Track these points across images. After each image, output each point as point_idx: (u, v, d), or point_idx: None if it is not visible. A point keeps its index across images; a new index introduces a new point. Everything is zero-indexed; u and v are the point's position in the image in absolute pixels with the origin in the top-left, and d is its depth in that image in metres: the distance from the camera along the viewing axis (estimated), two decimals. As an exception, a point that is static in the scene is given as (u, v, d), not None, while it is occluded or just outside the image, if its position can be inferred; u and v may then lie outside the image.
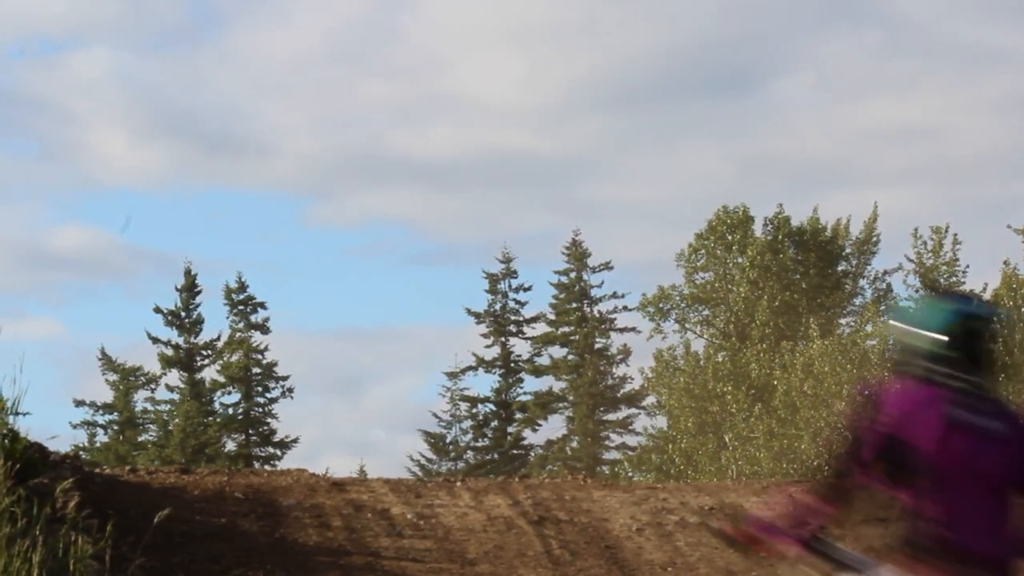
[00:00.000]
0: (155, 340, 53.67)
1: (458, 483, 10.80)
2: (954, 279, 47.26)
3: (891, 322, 5.86)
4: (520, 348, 55.84)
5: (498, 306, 56.18)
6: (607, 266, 55.31)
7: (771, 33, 76.23)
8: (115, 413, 53.84)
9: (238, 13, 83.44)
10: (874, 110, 70.58)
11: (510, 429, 55.68)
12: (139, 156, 78.89)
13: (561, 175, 75.51)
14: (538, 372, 55.71)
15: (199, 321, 53.90)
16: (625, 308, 54.64)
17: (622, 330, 54.82)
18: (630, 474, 46.10)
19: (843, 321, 47.48)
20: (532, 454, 55.23)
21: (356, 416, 74.56)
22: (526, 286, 56.37)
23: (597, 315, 55.11)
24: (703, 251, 48.88)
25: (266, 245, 77.36)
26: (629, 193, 74.88)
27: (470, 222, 77.96)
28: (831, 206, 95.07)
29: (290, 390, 53.13)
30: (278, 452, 52.07)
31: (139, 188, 77.92)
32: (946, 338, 5.63)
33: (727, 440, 42.50)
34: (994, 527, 5.69)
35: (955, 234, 47.37)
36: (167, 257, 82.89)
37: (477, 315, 56.04)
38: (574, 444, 54.67)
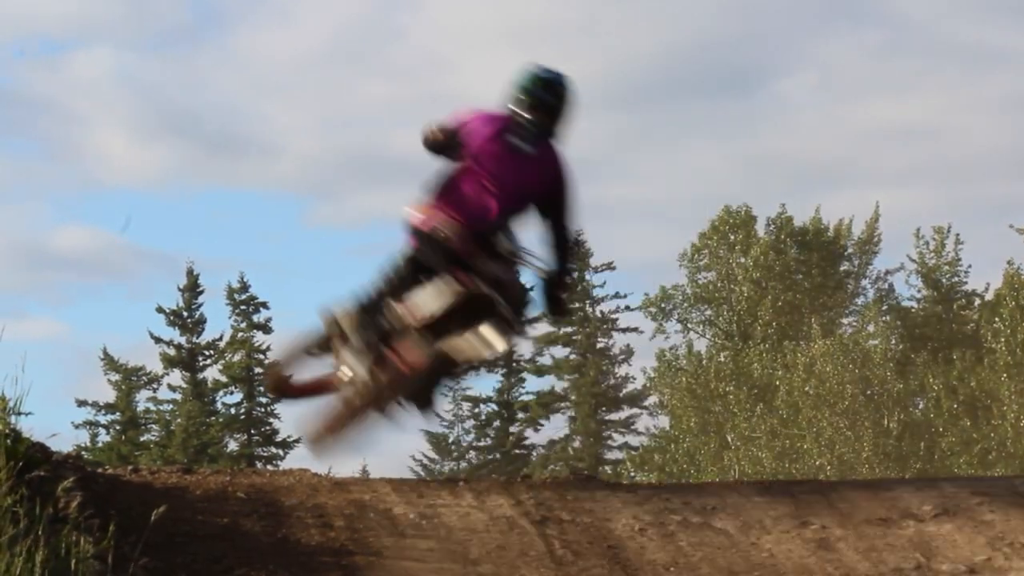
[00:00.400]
0: (157, 340, 53.68)
1: (460, 483, 10.80)
2: (956, 279, 47.27)
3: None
4: (522, 348, 55.97)
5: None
6: (609, 266, 55.38)
7: (772, 33, 76.31)
8: (117, 413, 53.85)
9: (240, 13, 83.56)
10: (875, 110, 70.69)
11: (512, 429, 55.71)
12: (141, 156, 78.99)
13: (563, 175, 75.57)
14: (540, 372, 55.76)
15: (201, 321, 53.95)
16: (627, 308, 54.72)
17: (624, 330, 54.92)
18: (632, 474, 46.13)
19: (845, 321, 47.53)
20: (534, 454, 55.25)
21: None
22: (527, 286, 56.39)
23: (599, 315, 55.14)
24: (706, 251, 48.90)
25: (268, 245, 77.44)
26: (631, 193, 74.95)
27: (472, 222, 78.05)
28: (833, 206, 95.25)
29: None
30: (280, 452, 52.13)
31: (141, 188, 78.01)
32: (522, 87, 8.31)
33: (730, 440, 42.52)
34: (492, 219, 8.30)
35: (957, 234, 47.48)
36: (169, 257, 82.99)
37: (479, 315, 56.09)
38: (576, 444, 54.68)
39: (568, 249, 8.87)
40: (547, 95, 8.33)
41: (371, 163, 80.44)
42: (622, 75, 79.91)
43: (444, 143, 8.52)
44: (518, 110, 8.40)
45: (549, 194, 8.50)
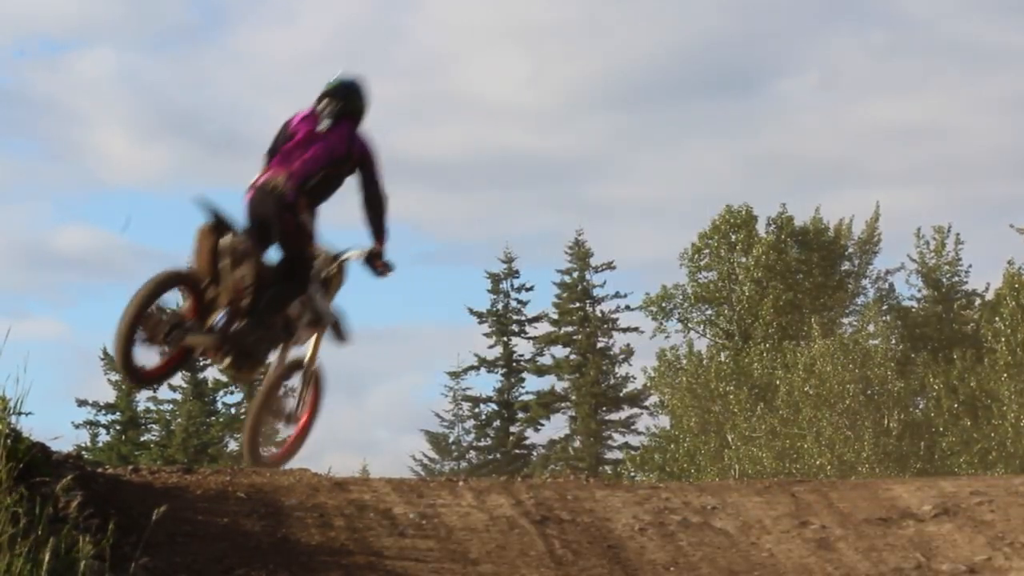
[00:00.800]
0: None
1: (461, 483, 10.80)
2: (956, 279, 47.26)
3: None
4: (522, 348, 55.98)
5: (500, 306, 56.21)
6: (609, 266, 55.38)
7: (774, 33, 76.26)
8: (117, 413, 53.85)
9: (241, 13, 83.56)
10: (877, 110, 70.64)
11: (512, 429, 55.71)
12: (142, 156, 79.01)
13: (565, 174, 75.54)
14: (540, 372, 55.76)
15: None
16: (627, 308, 54.72)
17: (625, 330, 54.91)
18: (632, 473, 46.12)
19: (845, 321, 47.52)
20: (534, 454, 55.25)
21: (359, 416, 74.62)
22: (528, 286, 56.39)
23: (599, 315, 55.14)
24: (707, 250, 48.89)
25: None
26: (632, 193, 74.90)
27: (473, 221, 77.95)
28: (835, 205, 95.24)
29: (293, 389, 52.95)
30: (281, 452, 51.93)
31: (143, 188, 78.00)
32: (327, 88, 11.04)
33: (730, 440, 42.51)
34: (300, 187, 10.77)
35: (957, 233, 47.45)
36: (171, 257, 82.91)
37: (480, 315, 56.08)
38: (576, 444, 54.68)
39: (377, 204, 11.13)
40: (339, 90, 11.07)
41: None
42: (623, 74, 79.94)
43: (278, 136, 11.16)
44: (320, 103, 11.08)
45: (348, 158, 10.98)
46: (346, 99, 11.12)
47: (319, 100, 11.12)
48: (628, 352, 54.70)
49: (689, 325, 49.76)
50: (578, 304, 55.26)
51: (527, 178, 77.92)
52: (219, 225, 10.71)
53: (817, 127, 74.14)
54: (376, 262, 11.21)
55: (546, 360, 55.71)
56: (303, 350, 11.51)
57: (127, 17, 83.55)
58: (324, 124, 11.04)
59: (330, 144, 10.97)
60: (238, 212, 10.86)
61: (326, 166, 10.95)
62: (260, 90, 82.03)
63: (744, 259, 47.83)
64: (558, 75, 79.58)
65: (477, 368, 56.03)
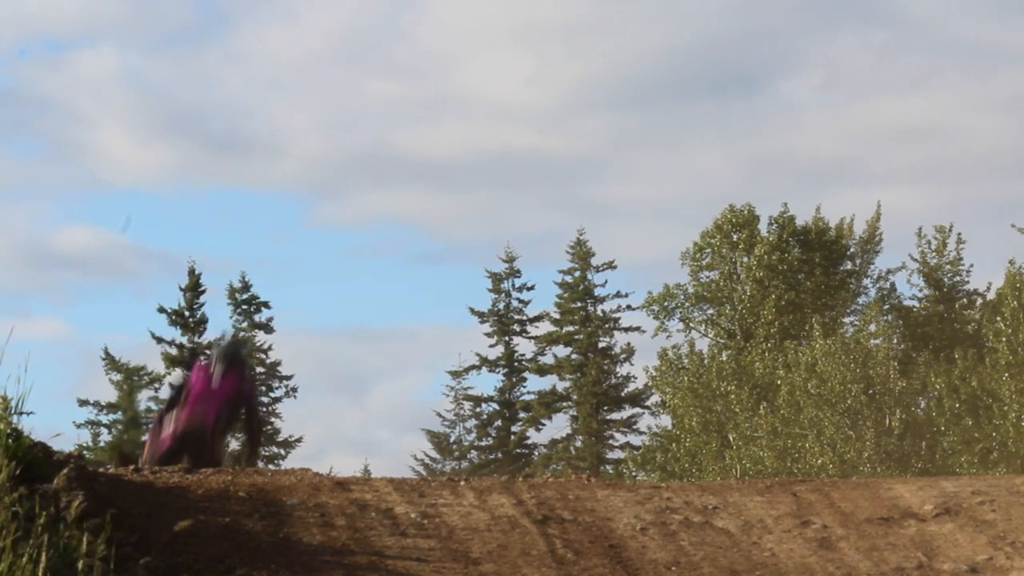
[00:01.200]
0: (159, 340, 53.65)
1: (462, 482, 10.80)
2: (958, 278, 47.25)
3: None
4: (524, 347, 55.94)
5: (501, 305, 56.21)
6: (610, 265, 55.36)
7: (777, 32, 76.19)
8: (118, 412, 53.84)
9: (244, 13, 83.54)
10: (880, 109, 70.58)
11: (514, 428, 55.69)
12: (145, 156, 78.96)
13: (567, 174, 75.48)
14: (542, 371, 55.71)
15: (203, 321, 53.88)
16: (629, 307, 54.69)
17: (626, 329, 54.87)
18: (634, 473, 46.11)
19: (847, 320, 47.49)
20: (536, 453, 55.22)
21: (360, 415, 74.60)
22: (529, 285, 56.38)
23: (601, 314, 55.13)
24: (708, 250, 48.87)
25: (271, 244, 77.39)
26: (635, 192, 74.87)
27: (475, 221, 77.94)
28: (838, 205, 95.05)
29: (294, 389, 53.00)
30: (282, 452, 52.03)
31: (145, 188, 77.96)
32: (219, 354, 14.39)
33: (731, 439, 42.51)
34: (215, 425, 14.28)
35: (959, 233, 47.36)
36: (173, 257, 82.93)
37: (481, 314, 56.07)
38: (578, 443, 54.67)
39: (256, 427, 15.41)
40: (227, 350, 14.44)
41: (374, 163, 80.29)
42: (626, 74, 79.86)
43: (176, 393, 14.60)
44: (213, 358, 14.42)
45: (239, 396, 14.39)
46: (234, 358, 14.47)
47: (215, 361, 14.41)
48: (629, 351, 54.70)
49: (691, 324, 49.74)
50: (579, 304, 55.25)
51: (530, 178, 77.90)
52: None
53: (819, 127, 74.10)
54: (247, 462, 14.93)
55: (547, 359, 55.70)
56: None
57: (130, 16, 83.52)
58: (217, 375, 14.37)
59: (226, 390, 14.30)
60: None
61: (233, 403, 14.48)
62: (264, 90, 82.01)
63: (746, 259, 47.81)
64: (562, 74, 79.54)
65: (478, 368, 56.02)
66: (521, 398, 55.89)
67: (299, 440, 52.48)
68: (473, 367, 55.94)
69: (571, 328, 55.26)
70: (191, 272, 53.28)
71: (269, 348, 52.15)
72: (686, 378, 44.94)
